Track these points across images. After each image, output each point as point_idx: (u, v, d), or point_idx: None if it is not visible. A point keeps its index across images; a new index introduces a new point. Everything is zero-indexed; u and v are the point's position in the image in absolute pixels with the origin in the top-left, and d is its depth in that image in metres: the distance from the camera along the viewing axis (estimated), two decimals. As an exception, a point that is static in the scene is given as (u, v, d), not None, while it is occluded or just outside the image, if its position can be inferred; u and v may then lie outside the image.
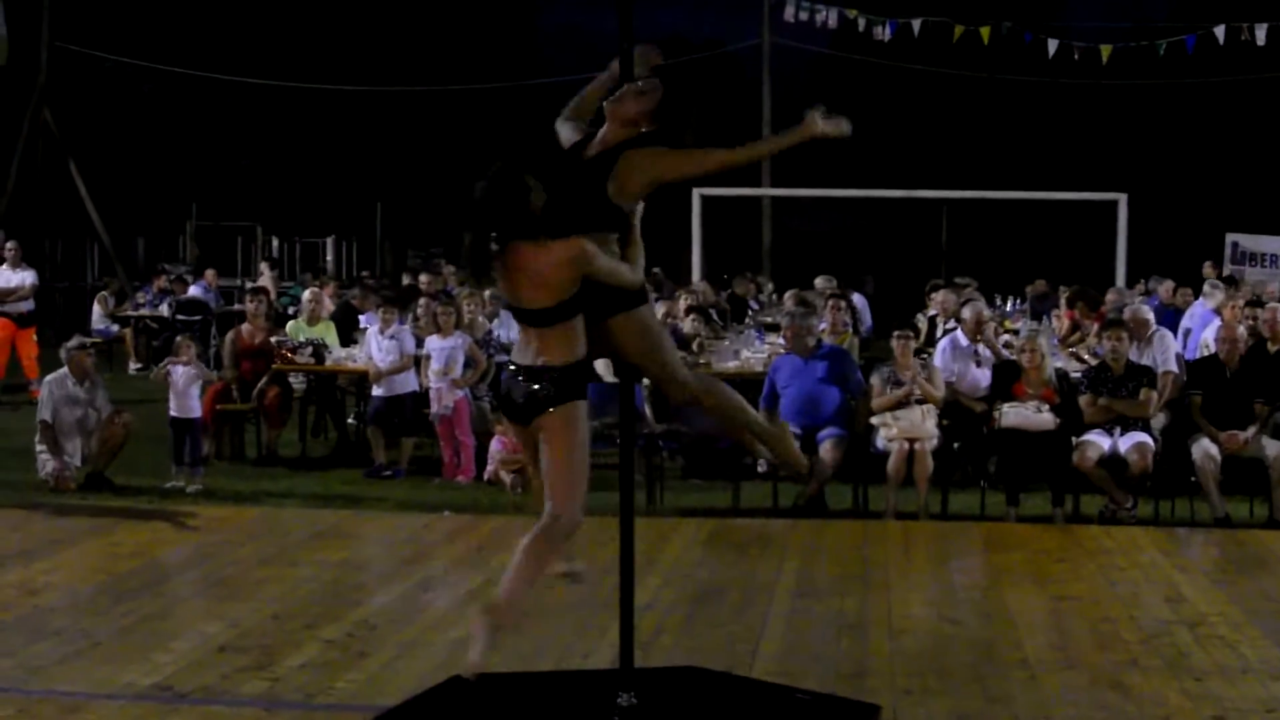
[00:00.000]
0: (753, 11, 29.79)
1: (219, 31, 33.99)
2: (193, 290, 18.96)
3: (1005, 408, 9.23)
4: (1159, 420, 9.66)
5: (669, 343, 4.95)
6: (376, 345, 10.96)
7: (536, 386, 4.49)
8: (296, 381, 11.90)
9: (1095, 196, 20.00)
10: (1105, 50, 23.14)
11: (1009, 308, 16.56)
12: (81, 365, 10.14)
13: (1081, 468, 8.96)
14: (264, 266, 22.19)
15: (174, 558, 7.96)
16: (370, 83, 31.88)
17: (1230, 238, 21.55)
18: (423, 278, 16.72)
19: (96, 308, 19.53)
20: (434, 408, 10.54)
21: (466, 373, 10.65)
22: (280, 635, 6.17)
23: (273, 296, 15.96)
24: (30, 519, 8.86)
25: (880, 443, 9.28)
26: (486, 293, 11.44)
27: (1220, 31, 21.98)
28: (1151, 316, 10.55)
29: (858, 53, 27.89)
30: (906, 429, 9.20)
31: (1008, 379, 9.49)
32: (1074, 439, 9.12)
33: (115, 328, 19.18)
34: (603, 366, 6.83)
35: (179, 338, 10.71)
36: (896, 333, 9.84)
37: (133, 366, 17.93)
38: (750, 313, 16.63)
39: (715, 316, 14.05)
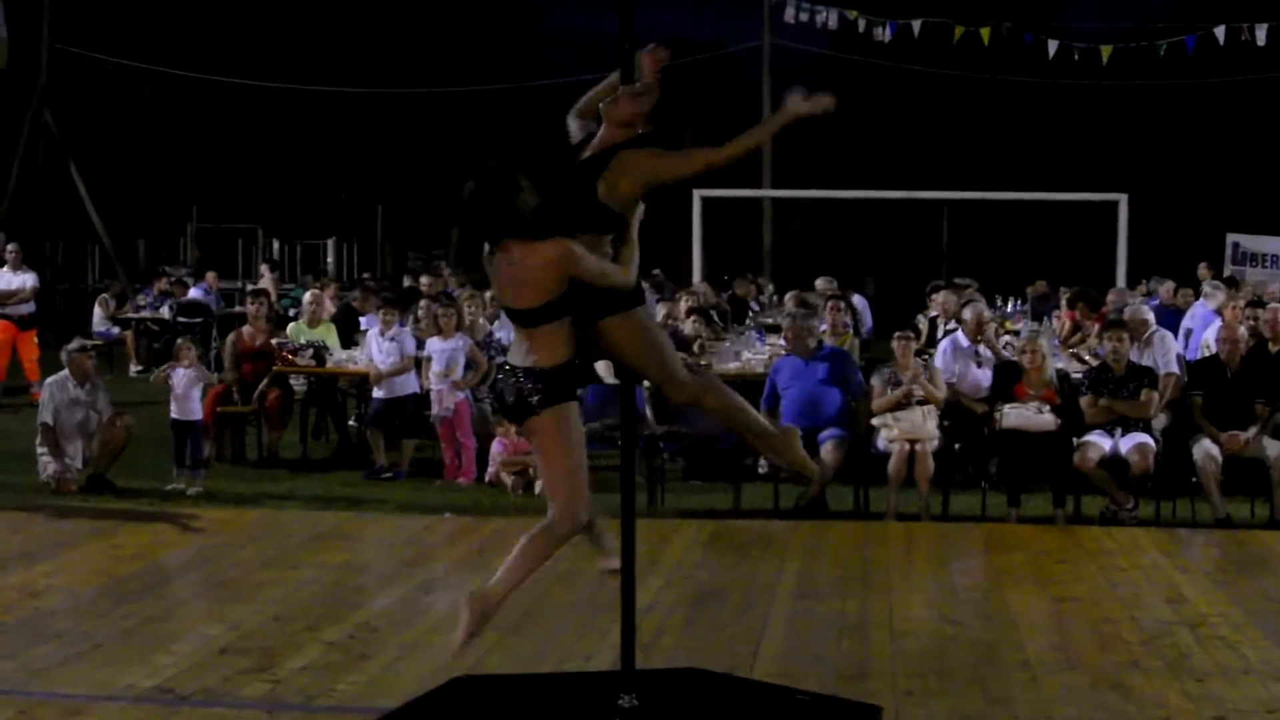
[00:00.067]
0: (753, 13, 29.80)
1: (220, 34, 33.98)
2: (193, 292, 18.94)
3: (1006, 409, 9.23)
4: (1160, 421, 9.66)
5: (668, 344, 4.90)
6: (377, 347, 10.95)
7: (525, 386, 4.49)
8: (297, 383, 11.90)
9: (1096, 197, 20.01)
10: (1105, 51, 23.15)
11: (1010, 309, 16.55)
12: (82, 367, 10.14)
13: (1082, 468, 8.95)
14: (265, 269, 22.22)
15: (175, 560, 7.96)
16: (371, 85, 31.88)
17: (1231, 238, 21.54)
18: (423, 280, 16.68)
19: (97, 310, 19.51)
20: (435, 409, 10.54)
21: (467, 374, 10.65)
22: (281, 637, 6.17)
23: (273, 299, 15.94)
24: (31, 521, 8.86)
25: (881, 444, 9.28)
26: (487, 294, 11.43)
27: (1220, 32, 21.98)
28: (1152, 317, 10.55)
29: (858, 54, 27.86)
30: (907, 430, 9.19)
31: (1009, 380, 9.48)
32: (1075, 440, 9.12)
33: (116, 330, 19.17)
34: (603, 368, 6.82)
35: (180, 340, 10.69)
36: (897, 334, 9.84)
37: (133, 369, 17.91)
38: (751, 314, 16.61)
39: (716, 318, 14.05)
